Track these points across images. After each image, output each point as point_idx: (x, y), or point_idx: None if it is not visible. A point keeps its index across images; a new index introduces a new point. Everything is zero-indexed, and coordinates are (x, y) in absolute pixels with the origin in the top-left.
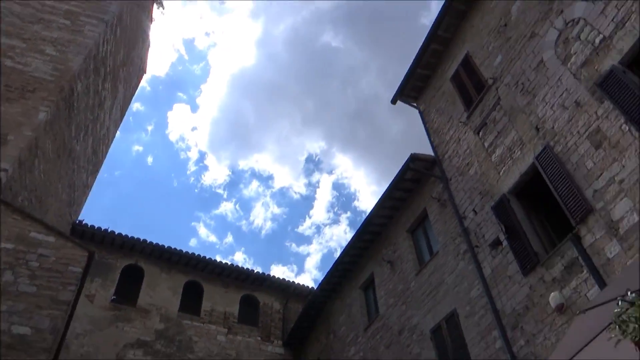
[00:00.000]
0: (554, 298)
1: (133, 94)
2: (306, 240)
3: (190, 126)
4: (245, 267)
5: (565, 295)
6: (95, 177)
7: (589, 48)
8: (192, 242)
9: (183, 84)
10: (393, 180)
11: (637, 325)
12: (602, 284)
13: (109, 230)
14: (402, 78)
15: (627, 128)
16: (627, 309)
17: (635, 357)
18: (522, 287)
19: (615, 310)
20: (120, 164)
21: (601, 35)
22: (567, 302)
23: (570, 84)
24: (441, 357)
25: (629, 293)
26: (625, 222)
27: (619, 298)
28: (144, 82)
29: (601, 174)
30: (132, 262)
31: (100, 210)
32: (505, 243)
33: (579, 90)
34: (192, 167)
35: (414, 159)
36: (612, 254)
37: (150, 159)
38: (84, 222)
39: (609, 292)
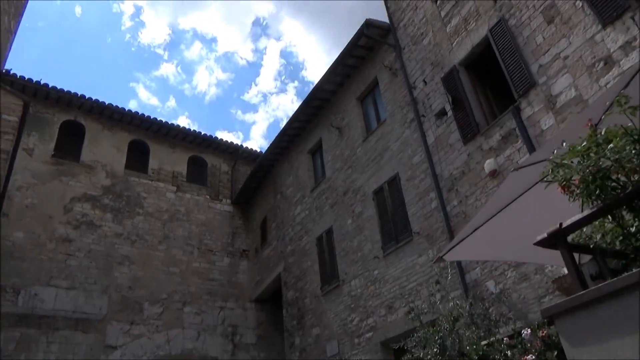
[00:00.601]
0: (488, 164)
1: None
2: (252, 108)
3: None
4: (192, 129)
5: (499, 162)
6: (18, 23)
7: None
8: (132, 104)
9: None
10: (346, 46)
11: (566, 170)
12: (533, 152)
13: (42, 83)
14: None
15: (581, 4)
16: (562, 156)
17: (561, 201)
18: (461, 155)
19: (550, 158)
20: (44, 13)
21: None
22: (499, 168)
23: None
24: (381, 214)
25: (563, 144)
26: (563, 97)
27: (555, 149)
28: None
29: (548, 50)
30: (71, 117)
31: (26, 64)
32: (450, 113)
33: None
34: (127, 23)
35: (368, 25)
36: (546, 126)
37: (78, 10)
38: (12, 72)
39: (540, 154)
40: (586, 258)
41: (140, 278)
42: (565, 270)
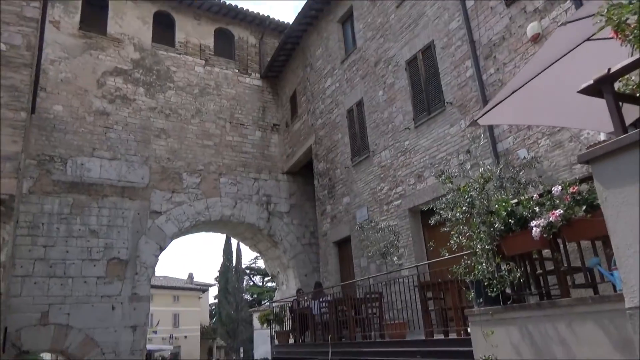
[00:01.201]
0: (531, 28)
1: None
2: None
3: None
4: None
5: (543, 25)
6: None
7: None
8: None
9: None
10: None
11: (622, 10)
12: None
13: None
14: None
15: None
16: None
17: (608, 61)
18: (502, 18)
19: None
20: None
21: None
22: (543, 32)
23: None
24: (414, 85)
25: None
26: None
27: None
28: None
29: None
30: None
31: None
32: None
33: None
34: None
35: None
36: None
37: None
38: None
39: (594, 6)
40: (629, 121)
41: (177, 150)
42: (602, 137)
